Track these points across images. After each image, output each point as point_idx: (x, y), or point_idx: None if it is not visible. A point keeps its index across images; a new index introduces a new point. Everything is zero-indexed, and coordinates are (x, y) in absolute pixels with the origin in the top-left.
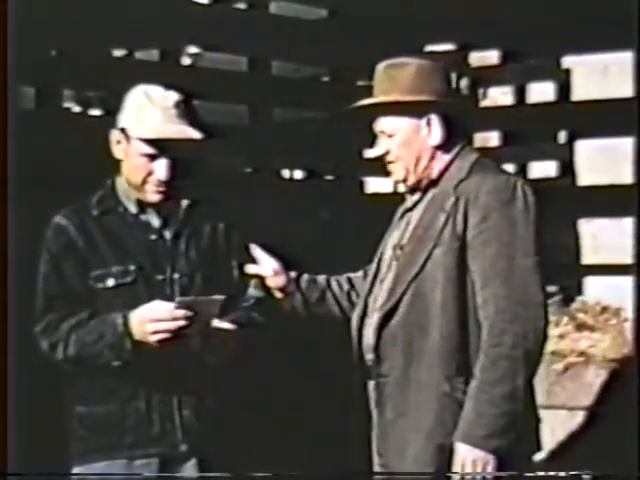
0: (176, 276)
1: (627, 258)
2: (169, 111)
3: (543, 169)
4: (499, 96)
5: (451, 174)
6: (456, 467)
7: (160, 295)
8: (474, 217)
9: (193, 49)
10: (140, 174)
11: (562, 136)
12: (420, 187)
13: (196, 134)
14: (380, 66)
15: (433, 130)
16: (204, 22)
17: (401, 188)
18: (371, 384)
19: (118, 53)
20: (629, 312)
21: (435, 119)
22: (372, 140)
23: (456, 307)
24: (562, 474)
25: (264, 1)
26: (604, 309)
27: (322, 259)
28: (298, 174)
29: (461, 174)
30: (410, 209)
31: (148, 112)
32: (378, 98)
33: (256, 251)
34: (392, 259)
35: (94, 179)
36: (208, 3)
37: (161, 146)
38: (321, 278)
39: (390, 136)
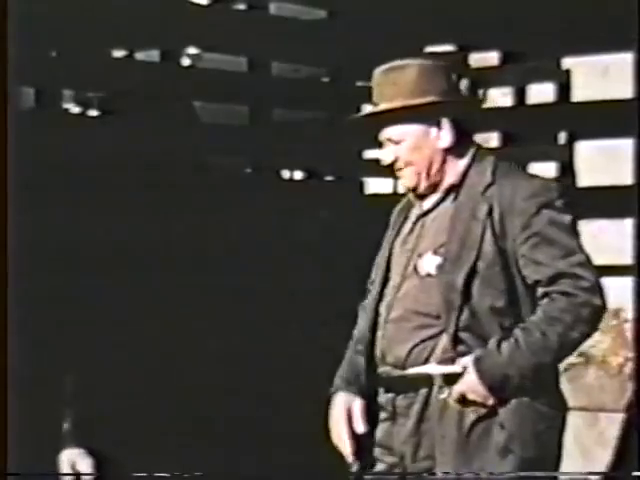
0: None
1: (627, 259)
2: None
3: (543, 170)
4: (499, 97)
5: (472, 179)
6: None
7: None
8: (514, 225)
9: (193, 50)
10: None
11: (562, 137)
12: (433, 192)
13: None
14: (378, 71)
15: (443, 132)
16: (204, 23)
17: (402, 189)
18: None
19: (118, 53)
20: (629, 313)
21: (445, 120)
22: (378, 144)
23: (505, 315)
24: (561, 474)
25: (264, 1)
26: None
27: (322, 259)
28: (298, 174)
29: (486, 179)
30: (425, 214)
31: None
32: (382, 105)
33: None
34: (410, 267)
35: (94, 179)
36: (208, 3)
37: None
38: None
39: (398, 142)
